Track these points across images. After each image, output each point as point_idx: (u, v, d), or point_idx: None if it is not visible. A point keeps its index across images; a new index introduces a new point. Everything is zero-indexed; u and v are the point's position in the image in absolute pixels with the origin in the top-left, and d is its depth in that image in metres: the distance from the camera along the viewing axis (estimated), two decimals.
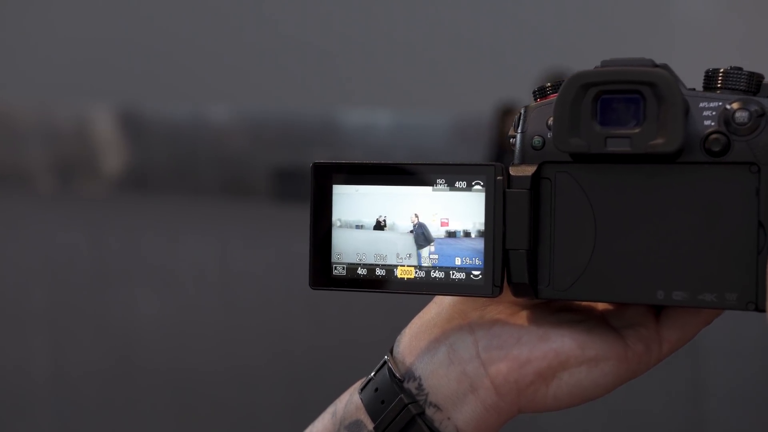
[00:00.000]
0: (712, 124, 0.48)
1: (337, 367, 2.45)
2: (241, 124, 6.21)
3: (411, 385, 0.53)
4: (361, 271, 0.53)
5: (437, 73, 5.95)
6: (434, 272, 0.52)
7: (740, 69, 0.49)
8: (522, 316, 0.53)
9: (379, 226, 0.53)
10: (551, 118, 0.50)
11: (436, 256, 0.52)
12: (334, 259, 0.54)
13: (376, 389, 0.54)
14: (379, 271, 0.53)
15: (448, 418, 0.52)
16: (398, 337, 0.56)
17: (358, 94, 6.05)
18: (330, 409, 0.57)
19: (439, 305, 0.55)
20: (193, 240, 2.61)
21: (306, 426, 0.58)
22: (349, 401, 0.55)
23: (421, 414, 0.52)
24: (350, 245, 0.53)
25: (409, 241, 0.52)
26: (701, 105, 0.49)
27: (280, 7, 6.25)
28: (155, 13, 6.16)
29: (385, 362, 0.55)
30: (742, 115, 0.48)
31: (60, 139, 5.51)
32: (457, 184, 0.52)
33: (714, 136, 0.48)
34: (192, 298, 2.54)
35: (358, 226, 0.53)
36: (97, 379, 2.48)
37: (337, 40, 6.12)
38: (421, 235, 0.52)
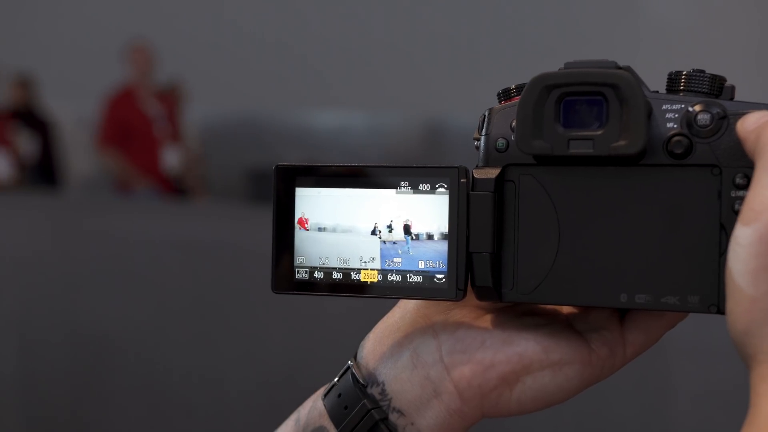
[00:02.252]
0: (675, 126, 0.48)
1: (312, 371, 2.44)
2: (214, 126, 6.19)
3: (374, 391, 0.53)
4: (323, 275, 0.53)
5: (412, 75, 5.95)
6: (397, 276, 0.51)
7: (703, 71, 0.49)
8: (486, 320, 0.52)
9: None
10: (515, 121, 0.50)
11: (400, 260, 0.51)
12: (296, 262, 0.53)
13: (339, 395, 0.53)
14: (342, 275, 0.52)
15: (412, 424, 0.52)
16: (362, 342, 0.55)
17: (332, 95, 6.04)
18: (293, 416, 0.56)
19: (403, 309, 0.55)
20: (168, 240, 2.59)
21: None
22: (313, 407, 0.55)
23: (385, 419, 0.52)
24: (313, 249, 0.53)
25: (373, 244, 0.52)
26: (664, 107, 0.48)
27: (254, 8, 6.23)
28: (131, 16, 6.13)
29: (348, 367, 0.54)
30: (704, 118, 0.48)
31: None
32: (420, 187, 0.51)
33: (676, 138, 0.48)
34: (164, 300, 2.52)
35: (320, 229, 0.53)
36: (67, 381, 2.46)
37: (312, 41, 6.11)
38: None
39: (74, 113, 5.65)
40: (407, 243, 0.51)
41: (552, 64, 0.55)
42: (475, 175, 0.50)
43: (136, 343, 2.50)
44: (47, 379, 2.46)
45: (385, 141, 5.94)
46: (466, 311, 0.53)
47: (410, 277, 0.51)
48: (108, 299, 2.49)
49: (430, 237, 0.51)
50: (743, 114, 0.47)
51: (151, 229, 2.63)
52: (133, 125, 4.56)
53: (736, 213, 0.46)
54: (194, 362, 2.49)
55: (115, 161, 4.67)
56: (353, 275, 0.52)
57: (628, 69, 0.49)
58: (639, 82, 0.48)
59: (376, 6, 6.18)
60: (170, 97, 4.96)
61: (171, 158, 4.70)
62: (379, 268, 0.52)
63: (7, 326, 2.46)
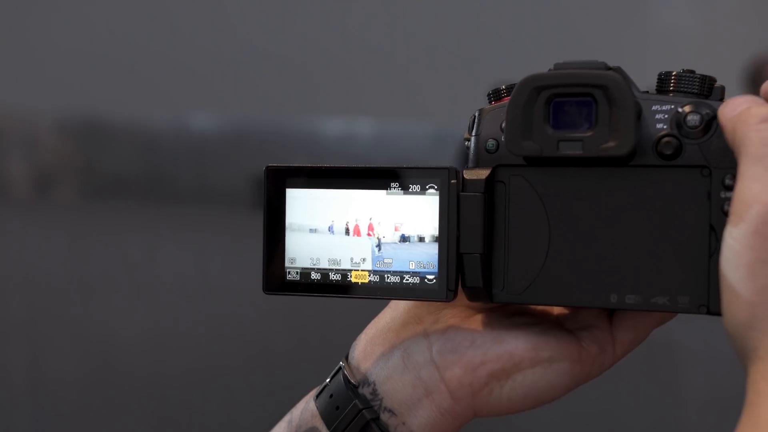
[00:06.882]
0: (665, 127, 0.48)
1: (318, 374, 2.44)
2: (221, 132, 6.19)
3: (365, 391, 0.53)
4: (315, 276, 0.53)
5: (419, 81, 5.95)
6: (388, 277, 0.51)
7: (693, 72, 0.49)
8: (477, 320, 0.53)
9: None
10: (505, 122, 0.50)
11: (391, 261, 0.51)
12: (287, 263, 0.53)
13: (331, 395, 0.53)
14: (333, 276, 0.52)
15: (403, 423, 0.52)
16: (354, 343, 0.55)
17: (339, 102, 6.05)
18: (287, 417, 0.56)
19: (394, 310, 0.55)
20: (173, 248, 2.60)
21: None
22: (305, 408, 0.55)
23: (376, 419, 0.52)
24: (304, 249, 0.53)
25: (364, 245, 0.52)
26: (654, 108, 0.48)
27: (260, 14, 6.24)
28: (134, 19, 6.15)
29: (340, 368, 0.54)
30: (693, 119, 0.47)
31: (37, 146, 5.48)
32: (410, 188, 0.51)
33: (666, 139, 0.48)
34: (172, 306, 2.53)
35: (311, 230, 0.53)
36: (76, 387, 2.46)
37: (318, 48, 6.12)
38: None
39: None
40: (398, 244, 0.52)
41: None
42: (466, 176, 0.50)
43: (144, 350, 2.50)
44: (57, 387, 2.47)
45: (392, 148, 5.95)
46: (457, 311, 0.53)
47: (401, 278, 0.51)
48: (116, 306, 2.50)
49: (420, 238, 0.51)
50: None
51: (156, 236, 2.64)
52: None
53: (726, 214, 0.46)
54: (201, 367, 2.49)
55: None
56: (344, 276, 0.52)
57: (617, 70, 0.49)
58: (628, 82, 0.48)
59: (382, 13, 6.19)
60: None
61: None
62: (370, 269, 0.52)
63: (17, 334, 2.47)
